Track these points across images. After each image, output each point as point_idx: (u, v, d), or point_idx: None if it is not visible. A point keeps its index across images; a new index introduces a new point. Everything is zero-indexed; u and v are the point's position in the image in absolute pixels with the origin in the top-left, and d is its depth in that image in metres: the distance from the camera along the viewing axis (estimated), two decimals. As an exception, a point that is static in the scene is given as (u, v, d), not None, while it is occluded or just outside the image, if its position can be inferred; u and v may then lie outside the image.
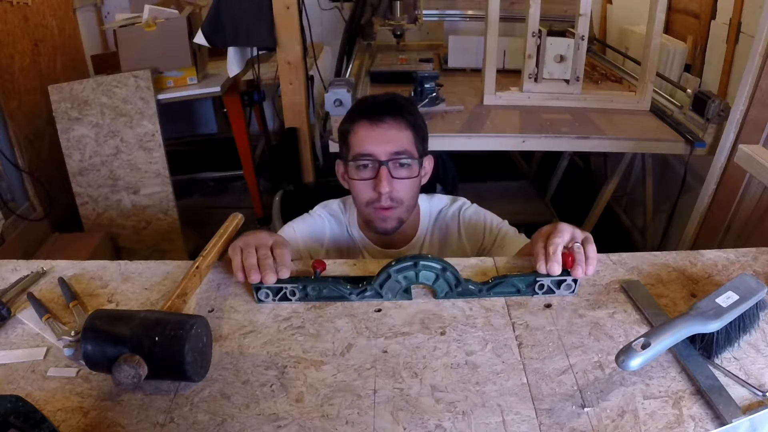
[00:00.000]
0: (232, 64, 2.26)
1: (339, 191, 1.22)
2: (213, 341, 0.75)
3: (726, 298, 0.72)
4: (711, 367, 0.71)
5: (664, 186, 2.43)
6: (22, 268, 0.94)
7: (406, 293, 0.85)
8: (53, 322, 0.80)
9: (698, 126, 1.97)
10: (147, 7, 2.47)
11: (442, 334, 0.78)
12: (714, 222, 1.87)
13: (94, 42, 3.29)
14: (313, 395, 0.68)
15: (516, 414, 0.65)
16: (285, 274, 0.83)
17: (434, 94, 2.12)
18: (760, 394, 0.67)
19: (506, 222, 1.21)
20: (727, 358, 0.73)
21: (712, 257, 0.95)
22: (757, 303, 0.73)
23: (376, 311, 0.83)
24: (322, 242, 1.20)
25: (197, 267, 0.85)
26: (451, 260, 0.86)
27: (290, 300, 0.85)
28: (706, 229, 1.91)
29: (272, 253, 0.84)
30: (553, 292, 0.85)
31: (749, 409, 0.65)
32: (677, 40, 2.44)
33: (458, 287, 0.84)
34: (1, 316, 0.81)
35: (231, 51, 2.23)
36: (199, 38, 2.17)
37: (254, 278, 0.81)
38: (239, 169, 2.89)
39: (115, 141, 2.37)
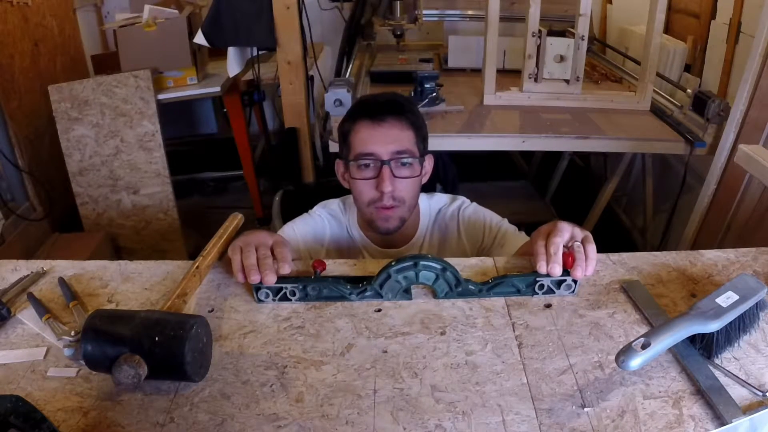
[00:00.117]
0: (232, 64, 2.26)
1: (339, 191, 1.22)
2: (213, 341, 0.75)
3: (726, 298, 0.72)
4: (711, 367, 0.71)
5: (664, 186, 2.43)
6: (22, 268, 0.94)
7: (406, 293, 0.85)
8: (53, 322, 0.80)
9: (698, 126, 1.97)
10: (147, 7, 2.48)
11: (442, 334, 0.78)
12: (714, 222, 1.87)
13: (94, 42, 3.30)
14: (313, 395, 0.68)
15: (516, 414, 0.65)
16: (286, 270, 0.82)
17: (434, 94, 2.12)
18: (760, 394, 0.67)
19: (506, 220, 1.21)
20: (727, 358, 0.73)
21: (712, 257, 0.95)
22: (757, 303, 0.73)
23: (376, 311, 0.83)
24: (322, 242, 1.20)
25: (197, 267, 0.85)
26: (451, 260, 0.86)
27: (290, 300, 0.85)
28: (706, 229, 1.91)
29: (272, 252, 0.84)
30: (553, 292, 0.85)
31: (749, 409, 0.65)
32: (677, 40, 2.44)
33: (458, 287, 0.84)
34: (1, 316, 0.81)
35: (231, 51, 2.23)
36: (199, 38, 2.17)
37: (254, 278, 0.81)
38: (239, 169, 2.89)
39: (115, 141, 2.37)
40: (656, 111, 2.18)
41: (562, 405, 0.66)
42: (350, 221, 1.21)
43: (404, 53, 2.88)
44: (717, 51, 2.18)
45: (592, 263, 0.83)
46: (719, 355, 0.73)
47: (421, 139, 1.12)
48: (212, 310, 0.84)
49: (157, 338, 0.66)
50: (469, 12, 3.05)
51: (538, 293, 0.86)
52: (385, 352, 0.75)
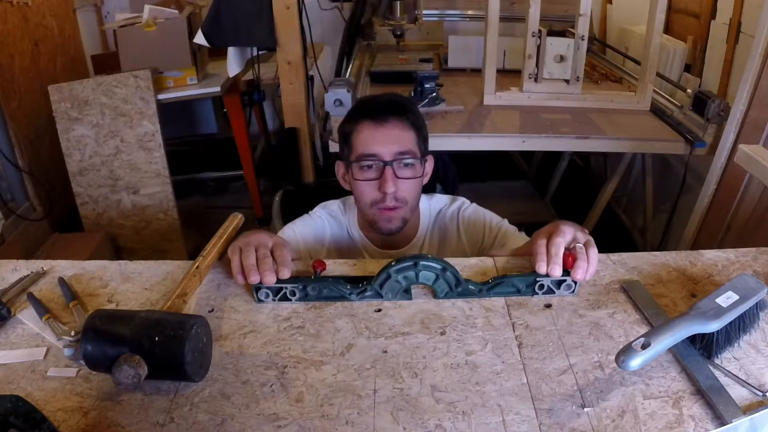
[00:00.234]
0: (232, 64, 2.26)
1: (339, 191, 1.22)
2: (213, 341, 0.75)
3: (726, 298, 0.72)
4: (711, 367, 0.71)
5: (664, 186, 2.43)
6: (22, 268, 0.94)
7: (406, 293, 0.85)
8: (53, 322, 0.80)
9: (698, 126, 1.97)
10: (147, 7, 2.48)
11: (442, 334, 0.78)
12: (714, 222, 1.87)
13: (94, 42, 3.30)
14: (313, 395, 0.68)
15: (516, 414, 0.65)
16: (285, 275, 0.82)
17: (434, 94, 2.12)
18: (760, 394, 0.67)
19: (506, 221, 1.21)
20: (727, 358, 0.73)
21: (712, 257, 0.95)
22: (757, 303, 0.73)
23: (376, 311, 0.83)
24: (322, 243, 1.20)
25: (197, 267, 0.84)
26: (451, 260, 0.86)
27: (290, 300, 0.85)
28: (706, 229, 1.91)
29: (272, 254, 0.84)
30: (553, 293, 0.85)
31: (749, 409, 0.65)
32: (677, 40, 2.44)
33: (458, 287, 0.84)
34: (1, 316, 0.81)
35: (231, 51, 2.23)
36: (199, 38, 2.17)
37: (253, 279, 0.81)
38: (239, 169, 2.89)
39: (115, 141, 2.37)
40: (656, 111, 2.18)
41: (562, 405, 0.66)
42: (350, 222, 1.21)
43: (404, 53, 2.88)
44: (717, 51, 2.18)
45: (593, 267, 0.83)
46: (719, 355, 0.73)
47: (422, 139, 1.12)
48: (212, 310, 0.84)
49: (157, 338, 0.66)
50: (469, 12, 3.05)
51: (538, 293, 0.85)
52: (385, 352, 0.75)
